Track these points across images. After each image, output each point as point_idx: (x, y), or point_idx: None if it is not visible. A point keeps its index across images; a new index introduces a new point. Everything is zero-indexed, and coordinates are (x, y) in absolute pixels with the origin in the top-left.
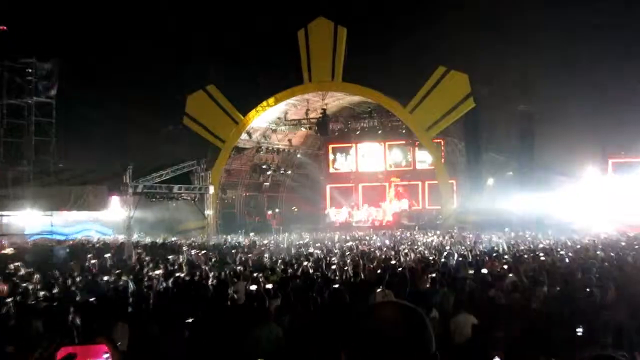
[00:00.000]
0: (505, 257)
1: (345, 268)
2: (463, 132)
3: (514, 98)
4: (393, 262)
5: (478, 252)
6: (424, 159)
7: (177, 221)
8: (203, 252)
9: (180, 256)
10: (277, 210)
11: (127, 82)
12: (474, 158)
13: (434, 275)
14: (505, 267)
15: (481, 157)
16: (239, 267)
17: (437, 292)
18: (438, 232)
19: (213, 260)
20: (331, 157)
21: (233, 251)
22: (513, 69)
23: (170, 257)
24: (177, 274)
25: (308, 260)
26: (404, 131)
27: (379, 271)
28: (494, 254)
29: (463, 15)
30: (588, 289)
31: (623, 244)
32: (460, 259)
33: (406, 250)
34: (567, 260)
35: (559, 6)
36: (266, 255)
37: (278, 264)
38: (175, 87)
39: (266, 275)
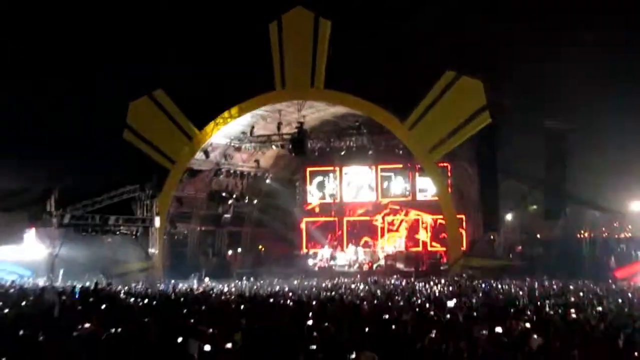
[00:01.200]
0: (528, 312)
1: (325, 324)
2: (476, 154)
3: (541, 112)
4: (385, 317)
5: (492, 306)
6: (425, 187)
7: (113, 261)
8: (146, 301)
9: (117, 306)
10: (239, 249)
11: (55, 84)
12: (488, 187)
13: (433, 335)
14: (528, 325)
15: (498, 186)
16: (191, 321)
17: (440, 356)
18: (442, 281)
19: (158, 311)
20: (309, 183)
21: (183, 300)
22: (539, 75)
23: (103, 307)
24: (112, 330)
25: (279, 313)
26: (401, 152)
27: (366, 329)
28: (512, 309)
29: (477, 7)
30: None
31: None
32: (470, 313)
33: (402, 303)
34: (607, 317)
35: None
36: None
37: (241, 316)
38: (114, 92)
39: (226, 332)
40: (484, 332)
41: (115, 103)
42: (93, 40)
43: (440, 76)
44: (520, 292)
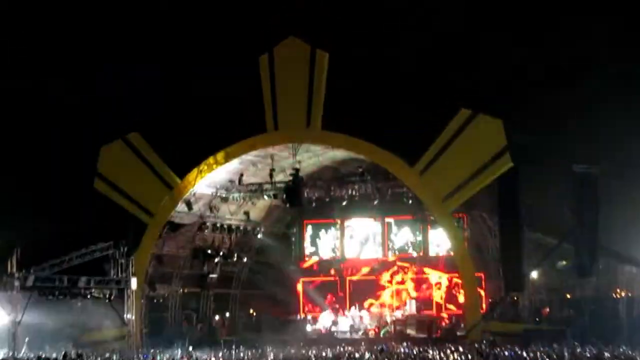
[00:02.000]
0: None
1: None
2: (496, 203)
3: (569, 154)
4: None
5: None
6: (439, 241)
7: (84, 328)
8: None
9: None
10: (227, 314)
11: (15, 122)
12: (511, 241)
13: None
14: None
15: (522, 239)
16: None
17: None
18: (460, 348)
19: None
20: (307, 239)
21: None
22: (568, 112)
23: None
24: None
25: None
26: (410, 201)
27: None
28: None
29: (493, 33)
30: None
31: None
32: None
33: None
34: None
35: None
36: None
37: None
38: (82, 135)
39: None
40: None
41: (84, 147)
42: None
43: (454, 114)
44: None
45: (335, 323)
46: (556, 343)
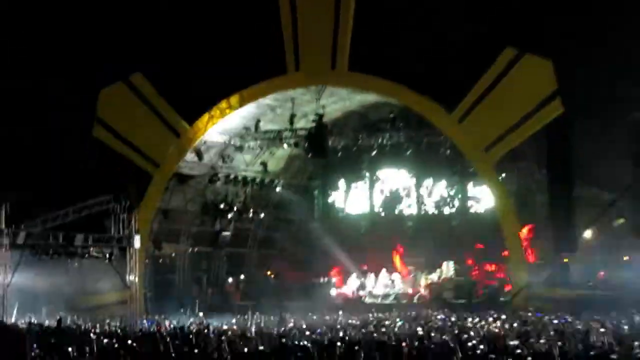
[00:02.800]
0: (613, 356)
1: None
2: (545, 154)
3: (628, 100)
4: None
5: (567, 350)
6: (480, 196)
7: (81, 292)
8: (123, 342)
9: (88, 349)
10: (242, 276)
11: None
12: (561, 196)
13: None
14: None
15: (574, 194)
16: None
17: None
18: (503, 316)
19: (139, 356)
20: (333, 192)
21: (171, 342)
22: (627, 55)
23: (70, 349)
24: None
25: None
26: (448, 152)
27: None
28: (592, 352)
29: None
30: None
31: None
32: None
33: (451, 344)
34: None
35: None
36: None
37: None
38: (81, 77)
39: None
40: None
41: (82, 91)
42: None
43: (498, 54)
44: (603, 330)
45: (363, 287)
46: (612, 311)
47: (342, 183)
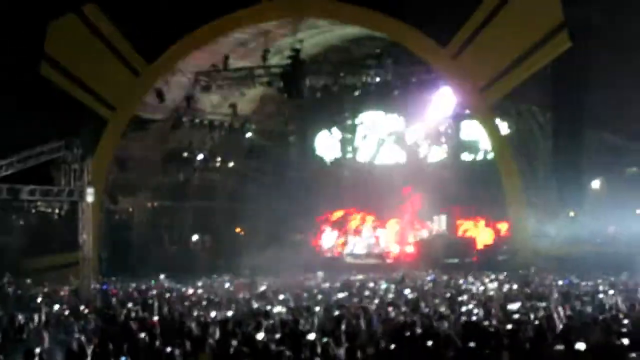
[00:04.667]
0: (625, 321)
1: (330, 344)
2: (549, 94)
3: None
4: (418, 331)
5: (572, 314)
6: (476, 141)
7: (28, 252)
8: (74, 309)
9: (37, 316)
10: (208, 234)
11: None
12: (568, 142)
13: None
14: (626, 340)
15: (582, 139)
16: (141, 337)
17: None
18: (501, 277)
19: (92, 324)
20: (310, 137)
21: (129, 308)
22: None
23: (19, 317)
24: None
25: (266, 326)
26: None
27: (392, 346)
28: (602, 316)
29: None
30: None
31: None
32: (541, 323)
33: (442, 308)
34: None
35: None
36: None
37: (210, 331)
38: (27, 6)
39: (189, 353)
40: (560, 348)
41: (27, 23)
42: None
43: None
44: (612, 292)
45: (345, 244)
46: (623, 271)
47: (321, 127)
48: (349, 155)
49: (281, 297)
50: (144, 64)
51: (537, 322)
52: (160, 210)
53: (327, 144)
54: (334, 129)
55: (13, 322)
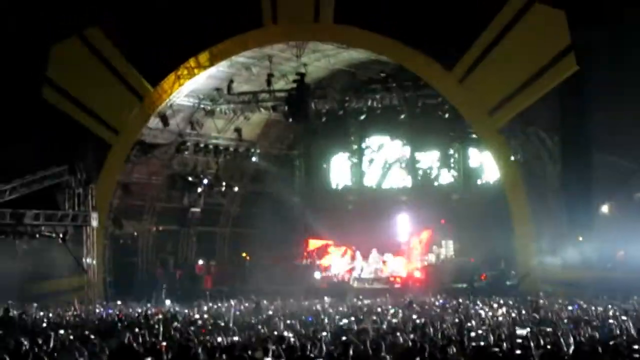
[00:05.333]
0: (635, 346)
1: None
2: (557, 118)
3: None
4: (426, 356)
5: (583, 339)
6: (483, 167)
7: (33, 276)
8: (79, 332)
9: (41, 340)
10: (212, 261)
11: None
12: (576, 166)
13: None
14: None
15: (590, 163)
16: None
17: None
18: (510, 302)
19: (97, 348)
20: (316, 162)
21: (134, 332)
22: None
23: (23, 342)
24: None
25: (272, 351)
26: (447, 115)
27: None
28: (612, 342)
29: None
30: None
31: None
32: (552, 350)
33: (450, 333)
34: None
35: None
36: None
37: (216, 356)
38: (27, 32)
39: None
40: None
41: (30, 46)
42: None
43: (505, 3)
44: (624, 318)
45: (352, 270)
46: (633, 295)
47: (326, 152)
48: (355, 180)
49: (288, 321)
50: (148, 87)
51: (546, 348)
52: (164, 235)
53: (337, 168)
54: (341, 154)
55: (19, 347)
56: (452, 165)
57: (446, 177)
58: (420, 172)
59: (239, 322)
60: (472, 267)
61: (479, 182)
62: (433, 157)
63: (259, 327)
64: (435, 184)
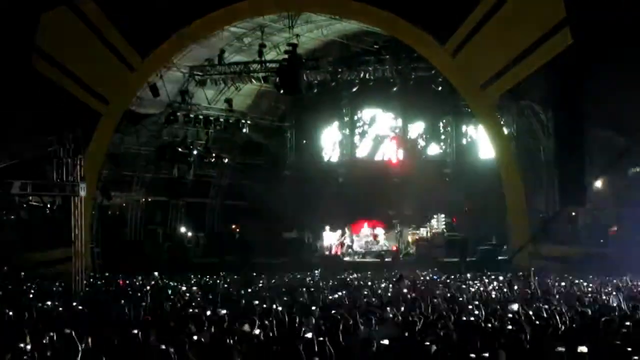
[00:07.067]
0: (627, 323)
1: (326, 343)
2: (551, 92)
3: None
4: (417, 327)
5: (574, 315)
6: (475, 140)
7: (20, 247)
8: (67, 305)
9: (27, 313)
10: (201, 233)
11: None
12: (569, 141)
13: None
14: (628, 343)
15: (584, 138)
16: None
17: None
18: (500, 277)
19: (86, 321)
20: (307, 134)
21: (123, 304)
22: None
23: (10, 314)
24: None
25: (260, 324)
26: (440, 88)
27: (389, 346)
28: (604, 318)
29: None
30: None
31: None
32: (541, 325)
33: (441, 308)
34: None
35: None
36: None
37: (205, 329)
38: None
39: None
40: (561, 349)
41: (18, 14)
42: None
43: None
44: (615, 294)
45: (343, 244)
46: (626, 272)
47: (318, 124)
48: (346, 152)
49: (277, 295)
50: (138, 58)
51: (537, 323)
52: (153, 205)
53: (328, 141)
54: (332, 126)
55: (2, 319)
56: (442, 138)
57: (435, 150)
58: (409, 144)
59: (228, 295)
60: (464, 241)
61: (471, 156)
62: (421, 129)
63: (248, 300)
64: (427, 159)
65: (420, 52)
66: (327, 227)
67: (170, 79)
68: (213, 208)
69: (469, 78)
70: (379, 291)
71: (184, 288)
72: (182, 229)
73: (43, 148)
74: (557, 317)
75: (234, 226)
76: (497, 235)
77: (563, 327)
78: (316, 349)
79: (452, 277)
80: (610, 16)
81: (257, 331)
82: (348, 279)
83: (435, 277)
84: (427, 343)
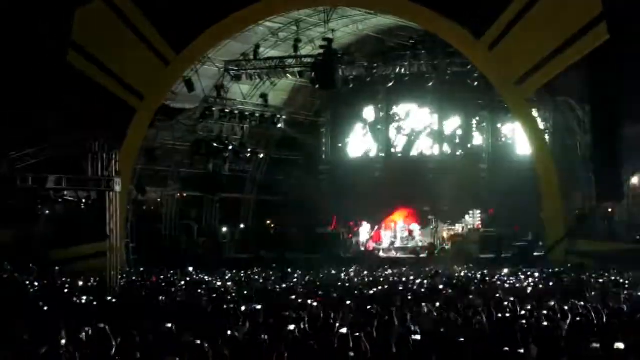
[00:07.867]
0: None
1: (361, 338)
2: (587, 87)
3: None
4: (452, 327)
5: (610, 312)
6: (512, 135)
7: (55, 242)
8: (102, 300)
9: (60, 309)
10: (241, 226)
11: None
12: (606, 137)
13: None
14: None
15: (621, 133)
16: (168, 328)
17: None
18: (536, 273)
19: (120, 315)
20: (343, 129)
21: (158, 299)
22: None
23: (45, 308)
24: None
25: (298, 320)
26: (476, 83)
27: (425, 342)
28: None
29: None
30: None
31: None
32: (578, 321)
33: (476, 304)
34: None
35: None
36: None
37: (240, 324)
38: None
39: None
40: (596, 345)
41: (54, 10)
42: None
43: None
44: None
45: (379, 238)
46: None
47: (353, 119)
48: (382, 148)
49: (313, 290)
50: (173, 52)
51: (574, 319)
52: (188, 201)
53: (360, 137)
54: (368, 121)
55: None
56: (478, 134)
57: (473, 146)
58: (447, 140)
59: (263, 291)
60: (499, 237)
61: (507, 152)
62: (457, 125)
63: (283, 295)
64: (459, 152)
65: (456, 46)
66: (363, 223)
67: (205, 74)
68: (248, 203)
69: (504, 73)
70: (414, 287)
71: (219, 283)
72: (217, 224)
73: (79, 143)
74: (593, 314)
75: (269, 221)
76: (532, 231)
77: (599, 324)
78: (351, 344)
79: (487, 273)
80: None
81: (291, 327)
82: (383, 275)
83: (470, 273)
84: (462, 339)
